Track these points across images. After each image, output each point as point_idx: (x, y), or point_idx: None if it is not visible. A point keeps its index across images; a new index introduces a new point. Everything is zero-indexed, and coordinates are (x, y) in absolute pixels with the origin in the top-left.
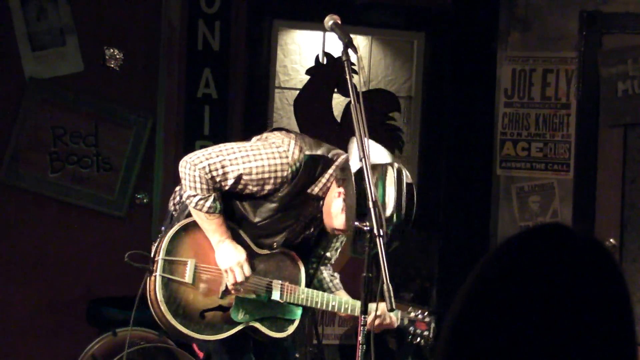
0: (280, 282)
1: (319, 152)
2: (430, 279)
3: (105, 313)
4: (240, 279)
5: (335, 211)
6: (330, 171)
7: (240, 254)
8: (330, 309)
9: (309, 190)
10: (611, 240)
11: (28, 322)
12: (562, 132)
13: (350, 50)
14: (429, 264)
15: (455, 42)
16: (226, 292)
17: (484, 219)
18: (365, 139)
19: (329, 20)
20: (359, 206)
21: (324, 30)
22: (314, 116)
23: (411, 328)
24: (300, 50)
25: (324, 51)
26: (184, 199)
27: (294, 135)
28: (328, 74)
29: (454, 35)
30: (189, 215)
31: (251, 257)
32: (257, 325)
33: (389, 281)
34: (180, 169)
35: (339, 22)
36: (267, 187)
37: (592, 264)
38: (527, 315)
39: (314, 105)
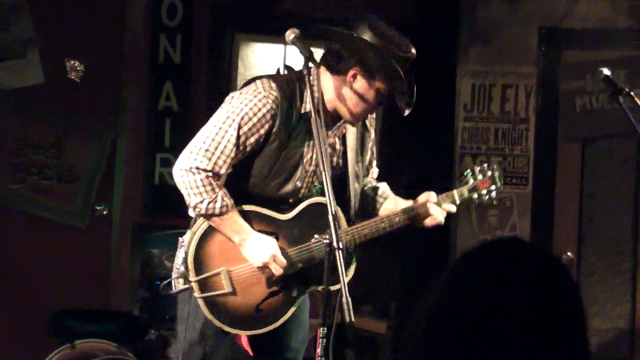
0: (319, 237)
1: (289, 76)
2: (390, 293)
3: (64, 324)
4: (278, 272)
5: (353, 93)
6: (310, 80)
7: (268, 245)
8: (382, 231)
9: (303, 112)
10: (569, 253)
11: None
12: (521, 146)
13: (311, 64)
14: (388, 278)
15: (416, 55)
16: (271, 280)
17: (444, 233)
18: (325, 153)
19: (290, 34)
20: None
21: (285, 43)
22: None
23: (475, 196)
24: (262, 63)
25: (285, 64)
26: (191, 211)
27: (259, 78)
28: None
29: (415, 48)
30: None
31: (280, 228)
32: (318, 288)
33: (347, 294)
34: (176, 180)
35: (300, 35)
36: (262, 131)
37: (548, 278)
38: (484, 328)
39: None
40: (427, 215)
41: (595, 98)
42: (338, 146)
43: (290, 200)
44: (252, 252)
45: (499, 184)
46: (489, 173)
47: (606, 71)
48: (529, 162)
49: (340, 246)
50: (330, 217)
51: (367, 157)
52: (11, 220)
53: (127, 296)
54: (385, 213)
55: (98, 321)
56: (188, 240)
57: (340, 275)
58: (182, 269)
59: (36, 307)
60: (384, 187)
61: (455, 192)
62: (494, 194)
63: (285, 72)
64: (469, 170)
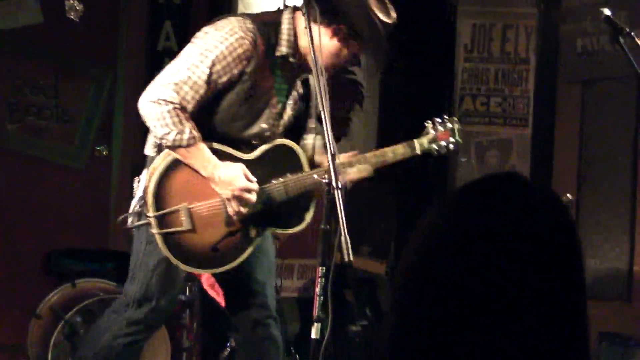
0: (280, 179)
1: (267, 17)
2: (388, 232)
3: (64, 264)
4: (250, 202)
5: (331, 46)
6: (285, 22)
7: (239, 176)
8: (343, 177)
9: (277, 54)
10: (568, 195)
11: None
12: (521, 88)
13: (312, 2)
14: (386, 217)
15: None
16: (230, 218)
17: (442, 173)
18: (324, 94)
19: None
20: None
21: None
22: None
23: (434, 147)
24: (261, 1)
25: (284, 4)
26: (158, 141)
27: (234, 15)
28: None
29: None
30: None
31: (248, 168)
32: (276, 230)
33: (346, 233)
34: (143, 111)
35: None
36: (236, 71)
37: (546, 214)
38: (480, 265)
39: None
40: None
41: (596, 39)
42: (301, 90)
43: (254, 142)
44: (223, 183)
45: (457, 138)
46: (449, 125)
47: (607, 11)
48: (528, 103)
49: (339, 185)
50: (330, 157)
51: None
52: (8, 160)
53: (126, 236)
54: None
55: (97, 260)
56: (148, 175)
57: (339, 214)
58: (138, 208)
59: (35, 247)
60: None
61: (416, 141)
62: (451, 146)
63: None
64: (429, 121)
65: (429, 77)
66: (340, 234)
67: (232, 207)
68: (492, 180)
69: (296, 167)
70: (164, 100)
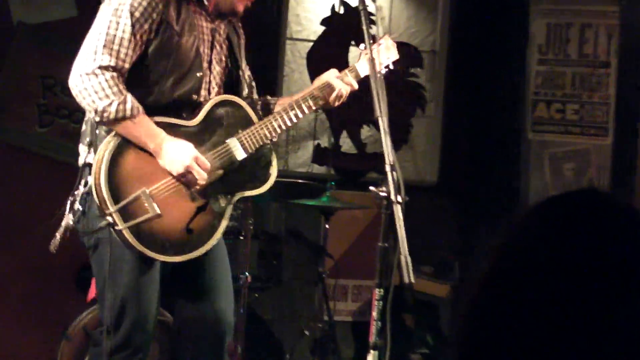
0: (234, 137)
1: None
2: (452, 249)
3: None
4: (201, 177)
5: None
6: None
7: (186, 148)
8: (295, 119)
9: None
10: None
11: (12, 287)
12: (600, 93)
13: None
14: (450, 235)
15: None
16: (193, 193)
17: (513, 186)
18: (382, 97)
19: None
20: None
21: None
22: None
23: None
24: None
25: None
26: (97, 119)
27: None
28: (345, 24)
29: None
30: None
31: (189, 136)
32: (245, 193)
33: (407, 252)
34: (77, 89)
35: None
36: (155, 16)
37: (629, 235)
38: (557, 288)
39: (329, 59)
40: (332, 92)
41: None
42: (224, 44)
43: (193, 99)
44: (171, 157)
45: (395, 52)
46: (383, 42)
47: None
48: (609, 110)
49: (400, 200)
50: (388, 168)
51: (247, 72)
52: (38, 166)
53: None
54: (288, 102)
55: None
56: (95, 170)
57: (399, 231)
58: (72, 222)
59: (65, 260)
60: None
61: (357, 65)
62: (391, 65)
63: (342, 9)
64: (362, 44)
65: (498, 80)
66: (400, 253)
67: (189, 181)
68: (569, 198)
69: (245, 120)
70: (99, 67)
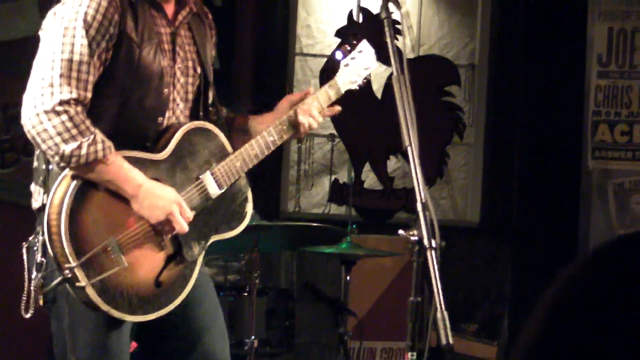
0: (207, 171)
1: None
2: (500, 303)
3: None
4: (183, 226)
5: None
6: None
7: (168, 192)
8: (273, 146)
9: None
10: None
11: None
12: None
13: (392, 4)
14: (499, 283)
15: None
16: (164, 241)
17: (571, 225)
18: (412, 122)
19: None
20: None
21: None
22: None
23: (356, 79)
24: (328, 5)
25: (359, 6)
26: (62, 165)
27: None
28: (364, 35)
29: None
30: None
31: (159, 171)
32: (218, 236)
33: (444, 308)
34: (31, 131)
35: None
36: (112, 30)
37: None
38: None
39: None
40: (296, 128)
41: None
42: (188, 47)
43: (156, 129)
44: (152, 202)
45: (375, 63)
46: (362, 49)
47: None
48: None
49: (435, 245)
50: (419, 207)
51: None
52: (2, 214)
53: None
54: (258, 127)
55: None
56: (53, 218)
57: (434, 282)
58: (52, 264)
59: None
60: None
61: (337, 79)
62: (370, 74)
63: (360, 17)
64: (338, 52)
65: (551, 98)
66: (436, 309)
67: (165, 229)
68: (635, 240)
69: (220, 151)
70: (60, 103)
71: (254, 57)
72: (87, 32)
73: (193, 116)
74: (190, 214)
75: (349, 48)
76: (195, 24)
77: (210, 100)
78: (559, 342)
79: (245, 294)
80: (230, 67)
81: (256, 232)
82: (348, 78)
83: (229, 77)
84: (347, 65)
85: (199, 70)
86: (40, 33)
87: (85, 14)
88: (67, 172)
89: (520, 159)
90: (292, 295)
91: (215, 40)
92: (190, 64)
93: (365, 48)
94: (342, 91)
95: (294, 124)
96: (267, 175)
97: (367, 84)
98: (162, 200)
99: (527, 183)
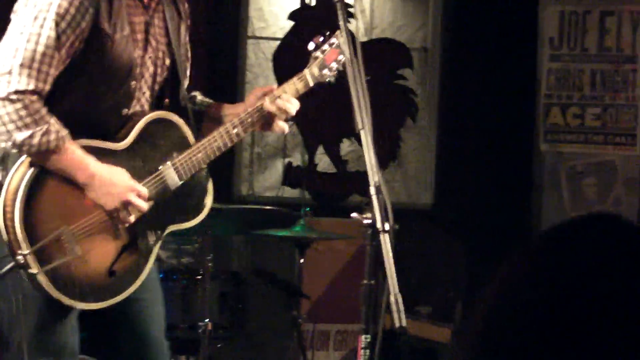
0: (168, 163)
1: None
2: (454, 287)
3: None
4: (143, 205)
5: None
6: None
7: (123, 178)
8: (236, 139)
9: None
10: None
11: None
12: (626, 94)
13: None
14: (452, 267)
15: None
16: (119, 230)
17: (524, 210)
18: (365, 105)
19: None
20: None
21: None
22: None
23: (326, 72)
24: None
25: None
26: (14, 151)
27: None
28: (317, 18)
29: None
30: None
31: (119, 161)
32: (174, 227)
33: (397, 291)
34: None
35: None
36: (84, 25)
37: None
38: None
39: (300, 60)
40: (265, 119)
41: None
42: (160, 37)
43: (119, 119)
44: (106, 189)
45: (346, 53)
46: (334, 41)
47: None
48: (637, 114)
49: (388, 228)
50: (373, 189)
51: (187, 63)
52: None
53: None
54: (229, 118)
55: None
56: (6, 204)
57: (387, 266)
58: (5, 250)
59: None
60: (200, 95)
61: (306, 72)
62: (341, 67)
63: (313, 0)
64: (311, 43)
65: (503, 81)
66: (390, 292)
67: (121, 217)
68: (590, 222)
69: (181, 142)
70: (16, 92)
71: (205, 40)
72: (57, 24)
73: (159, 105)
74: (146, 194)
75: (321, 39)
76: (170, 12)
77: (181, 90)
78: (504, 329)
79: (199, 277)
80: None
81: (209, 215)
82: (318, 71)
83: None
84: (316, 57)
85: (167, 62)
86: (11, 15)
87: (59, 5)
88: (25, 157)
89: (473, 143)
90: (245, 279)
91: (188, 24)
92: (160, 54)
93: (337, 41)
94: (311, 84)
95: (264, 116)
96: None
97: (339, 77)
98: (117, 187)
99: (479, 167)
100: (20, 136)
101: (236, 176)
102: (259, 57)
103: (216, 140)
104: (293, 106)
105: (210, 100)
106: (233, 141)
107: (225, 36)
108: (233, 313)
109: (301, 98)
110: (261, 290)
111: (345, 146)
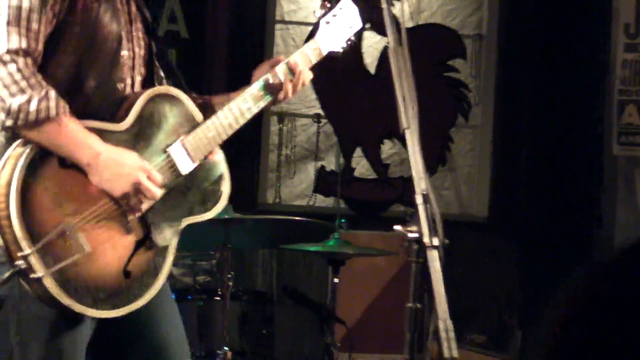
0: (177, 143)
1: None
2: (510, 310)
3: None
4: (156, 191)
5: None
6: None
7: (131, 158)
8: (249, 115)
9: None
10: None
11: None
12: None
13: None
14: (509, 288)
15: None
16: (131, 223)
17: (592, 219)
18: (410, 100)
19: None
20: None
21: None
22: (334, 65)
23: (338, 39)
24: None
25: None
26: (8, 123)
27: None
28: (356, 1)
29: None
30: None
31: (120, 142)
32: (192, 219)
33: (447, 316)
34: None
35: None
36: None
37: None
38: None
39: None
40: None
41: None
42: (138, 17)
43: (115, 97)
44: (113, 171)
45: (358, 20)
46: (344, 4)
47: None
48: None
49: (436, 243)
50: (419, 198)
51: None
52: None
53: None
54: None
55: None
56: (1, 200)
57: (437, 288)
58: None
59: None
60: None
61: (317, 39)
62: (354, 29)
63: None
64: (318, 11)
65: (570, 74)
66: (438, 317)
67: (131, 204)
68: None
69: (188, 119)
70: (7, 52)
71: (227, 24)
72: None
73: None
74: (160, 179)
75: (328, 5)
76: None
77: (157, 72)
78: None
79: (217, 297)
80: (202, 37)
81: (229, 226)
82: (330, 38)
83: (199, 49)
84: (328, 23)
85: (145, 38)
86: None
87: None
88: (17, 144)
89: (535, 144)
90: (271, 299)
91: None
92: (140, 34)
93: (347, 5)
94: (324, 53)
95: (272, 87)
96: (243, 161)
97: (351, 46)
98: (126, 167)
99: (542, 171)
100: (15, 102)
101: (261, 182)
102: (288, 45)
103: (226, 117)
104: (307, 77)
105: (207, 96)
106: (245, 117)
107: (250, 20)
108: (256, 339)
109: (336, 93)
110: (289, 313)
111: (387, 148)
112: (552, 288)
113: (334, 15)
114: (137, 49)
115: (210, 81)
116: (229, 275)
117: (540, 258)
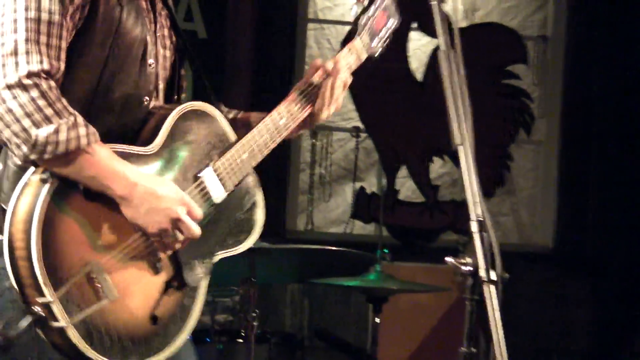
0: (208, 167)
1: None
2: (581, 355)
3: None
4: (195, 230)
5: None
6: None
7: (172, 191)
8: (284, 132)
9: None
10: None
11: None
12: None
13: None
14: (578, 329)
15: None
16: (160, 261)
17: None
18: (464, 113)
19: None
20: None
21: None
22: (377, 70)
23: (377, 41)
24: None
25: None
26: (33, 156)
27: None
28: None
29: None
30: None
31: (151, 167)
32: (224, 253)
33: (504, 351)
34: None
35: None
36: None
37: None
38: None
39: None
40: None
41: None
42: (165, 16)
43: (139, 112)
44: (150, 206)
45: (397, 15)
46: (381, 2)
47: None
48: None
49: (495, 277)
50: (474, 225)
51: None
52: None
53: None
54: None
55: None
56: (19, 237)
57: (495, 328)
58: (8, 297)
59: None
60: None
61: (357, 42)
62: (394, 26)
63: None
64: (354, 7)
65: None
66: (494, 355)
67: (165, 242)
68: None
69: (221, 139)
70: (28, 76)
71: (252, 24)
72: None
73: (169, 100)
74: (200, 214)
75: (365, 3)
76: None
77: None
78: None
79: (239, 340)
80: (222, 38)
81: (253, 257)
82: (369, 40)
83: (220, 50)
84: (365, 24)
85: (174, 39)
86: None
87: None
88: (32, 171)
89: (607, 162)
90: (301, 343)
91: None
92: (166, 32)
93: (385, 1)
94: (363, 58)
95: (310, 97)
96: (270, 182)
97: (394, 49)
98: (165, 201)
99: (614, 194)
100: (42, 133)
101: (290, 206)
102: (322, 46)
103: (262, 135)
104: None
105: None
106: (282, 135)
107: (278, 18)
108: None
109: (378, 104)
110: (323, 358)
111: (437, 167)
112: (631, 335)
113: (371, 16)
114: (161, 50)
115: (231, 89)
116: (254, 314)
117: (616, 298)
